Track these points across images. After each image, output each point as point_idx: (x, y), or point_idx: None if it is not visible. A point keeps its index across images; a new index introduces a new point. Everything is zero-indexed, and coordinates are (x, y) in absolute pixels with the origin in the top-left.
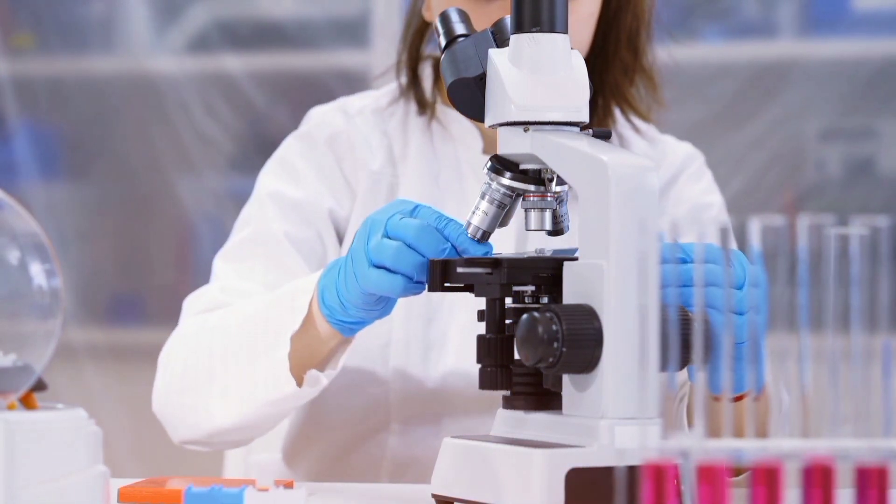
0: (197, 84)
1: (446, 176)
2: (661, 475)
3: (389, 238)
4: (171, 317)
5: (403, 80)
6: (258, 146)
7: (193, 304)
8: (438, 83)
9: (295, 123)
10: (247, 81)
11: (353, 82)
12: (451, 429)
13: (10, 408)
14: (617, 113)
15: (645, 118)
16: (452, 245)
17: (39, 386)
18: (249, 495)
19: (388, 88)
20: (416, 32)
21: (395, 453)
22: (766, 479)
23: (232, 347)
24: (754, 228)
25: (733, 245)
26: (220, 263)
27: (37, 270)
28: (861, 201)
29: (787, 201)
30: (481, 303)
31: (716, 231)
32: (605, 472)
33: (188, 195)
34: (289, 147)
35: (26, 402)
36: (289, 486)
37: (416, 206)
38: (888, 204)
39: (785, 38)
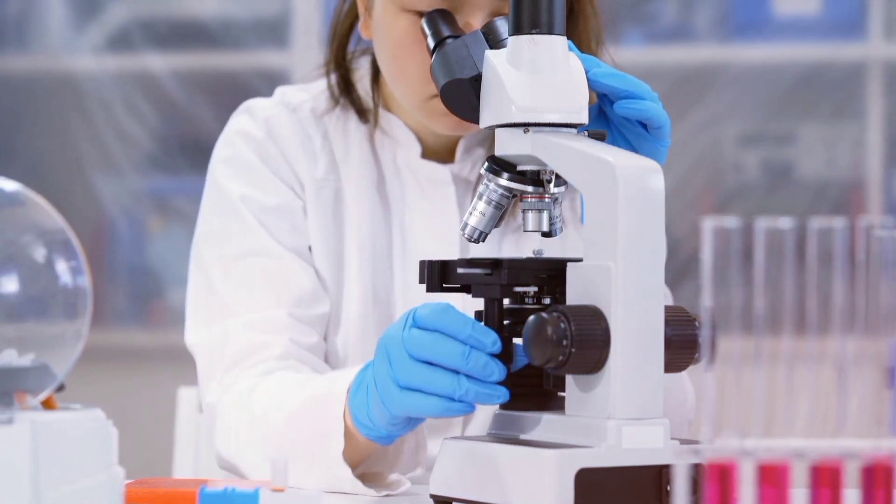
0: (118, 82)
1: (389, 182)
2: (726, 475)
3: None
4: None
5: (334, 82)
6: (180, 145)
7: (219, 357)
8: (377, 83)
9: (217, 122)
10: (168, 80)
11: (275, 81)
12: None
13: (25, 409)
14: None
15: None
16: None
17: (58, 386)
18: (264, 495)
19: (324, 87)
20: (342, 38)
21: None
22: (828, 479)
23: (284, 444)
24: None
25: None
26: (222, 283)
27: (63, 268)
28: (782, 205)
29: (708, 205)
30: None
31: None
32: (613, 473)
33: (107, 194)
34: (233, 145)
35: (45, 403)
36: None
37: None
38: (809, 208)
39: (707, 43)
